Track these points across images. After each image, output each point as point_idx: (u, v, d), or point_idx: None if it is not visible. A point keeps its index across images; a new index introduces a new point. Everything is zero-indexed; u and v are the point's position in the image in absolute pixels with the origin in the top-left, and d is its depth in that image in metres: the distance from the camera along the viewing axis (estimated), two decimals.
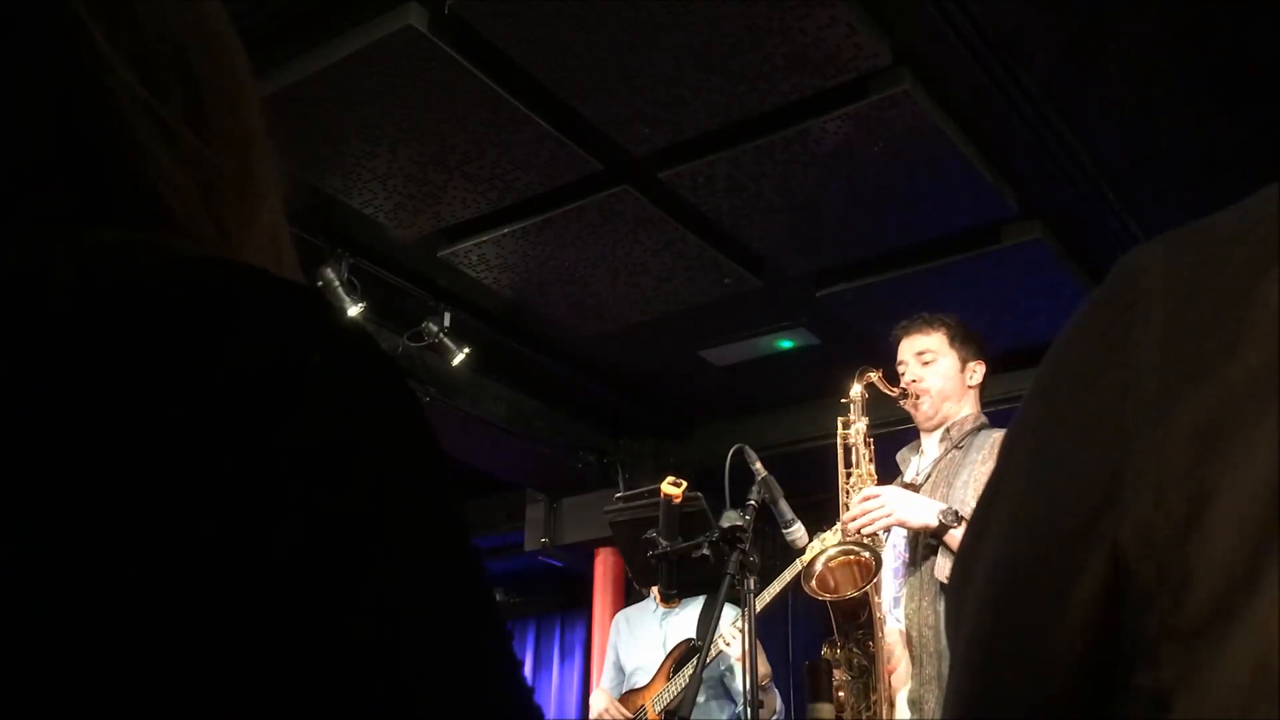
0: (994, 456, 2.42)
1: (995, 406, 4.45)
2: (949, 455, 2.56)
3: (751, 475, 2.32)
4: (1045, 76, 3.10)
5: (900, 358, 2.68)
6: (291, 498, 0.44)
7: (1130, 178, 3.56)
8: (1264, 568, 0.41)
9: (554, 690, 7.80)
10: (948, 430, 2.60)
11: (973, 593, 0.53)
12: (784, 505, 2.33)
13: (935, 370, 2.61)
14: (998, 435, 2.53)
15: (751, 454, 2.34)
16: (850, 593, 2.41)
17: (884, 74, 3.04)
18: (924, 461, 2.63)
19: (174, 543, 0.43)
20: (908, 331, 2.70)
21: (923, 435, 2.68)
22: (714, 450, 3.87)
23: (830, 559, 2.49)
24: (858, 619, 2.42)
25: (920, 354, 2.63)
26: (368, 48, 2.94)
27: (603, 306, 4.44)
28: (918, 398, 2.61)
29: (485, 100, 3.13)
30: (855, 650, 2.41)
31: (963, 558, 0.56)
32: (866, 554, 2.45)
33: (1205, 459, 0.43)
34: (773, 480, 2.31)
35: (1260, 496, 0.42)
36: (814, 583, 2.48)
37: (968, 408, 2.64)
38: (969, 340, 2.67)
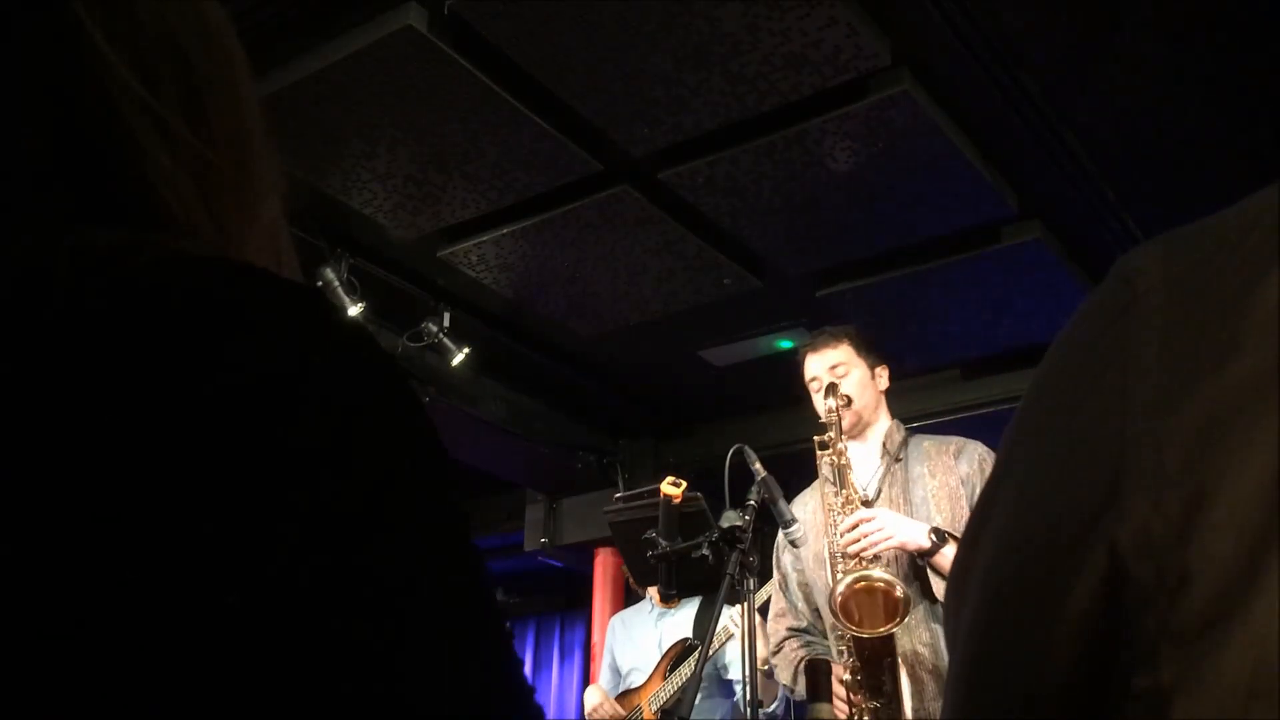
0: (939, 468, 2.49)
1: (995, 407, 4.50)
2: (891, 470, 2.57)
3: (751, 475, 2.32)
4: (1045, 76, 3.10)
5: (811, 374, 2.67)
6: (291, 498, 0.44)
7: (1130, 178, 3.56)
8: (1263, 569, 0.41)
9: (554, 690, 7.80)
10: (883, 444, 2.61)
11: (971, 592, 0.53)
12: (784, 505, 2.33)
13: (850, 382, 2.61)
14: (928, 444, 2.57)
15: (751, 454, 2.33)
16: (880, 629, 2.29)
17: (884, 74, 3.04)
18: (864, 474, 2.60)
19: (174, 543, 0.43)
20: (815, 347, 2.70)
21: (850, 445, 2.62)
22: (714, 450, 3.86)
23: (855, 583, 2.35)
24: (885, 654, 2.32)
25: (833, 368, 2.63)
26: (368, 48, 2.93)
27: (603, 306, 4.43)
28: (845, 406, 2.59)
29: (485, 100, 3.13)
30: (885, 677, 2.31)
31: (961, 557, 0.56)
32: (899, 590, 2.30)
33: (1204, 460, 0.43)
34: (772, 480, 2.31)
35: (1259, 498, 0.41)
36: (840, 612, 2.33)
37: (883, 415, 2.67)
38: (872, 348, 2.69)
